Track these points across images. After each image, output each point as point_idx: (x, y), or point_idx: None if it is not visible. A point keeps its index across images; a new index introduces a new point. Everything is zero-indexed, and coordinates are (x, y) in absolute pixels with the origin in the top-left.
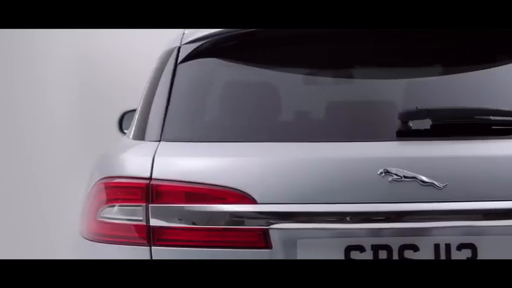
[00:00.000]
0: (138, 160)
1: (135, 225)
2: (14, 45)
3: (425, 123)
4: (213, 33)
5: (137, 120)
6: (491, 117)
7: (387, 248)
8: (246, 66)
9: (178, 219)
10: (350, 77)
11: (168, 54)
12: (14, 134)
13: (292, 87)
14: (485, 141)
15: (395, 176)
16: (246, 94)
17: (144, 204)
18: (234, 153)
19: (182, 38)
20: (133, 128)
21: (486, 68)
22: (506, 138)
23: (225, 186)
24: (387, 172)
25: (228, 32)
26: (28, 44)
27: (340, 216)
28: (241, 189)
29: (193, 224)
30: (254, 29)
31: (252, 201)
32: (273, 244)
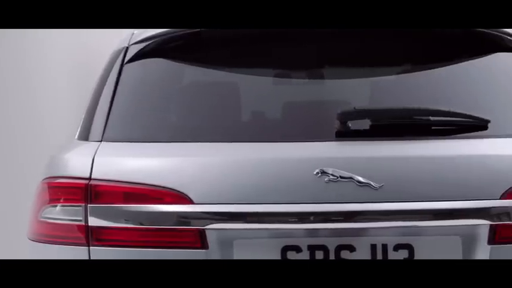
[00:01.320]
0: (78, 160)
1: (74, 226)
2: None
3: (365, 124)
4: (160, 33)
5: (83, 121)
6: (431, 118)
7: (324, 248)
8: (190, 66)
9: (116, 219)
10: (290, 77)
11: (117, 54)
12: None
13: (235, 87)
14: (423, 141)
15: (331, 176)
16: (189, 94)
17: (83, 204)
18: (173, 154)
19: (131, 38)
20: (79, 128)
21: (434, 68)
22: (444, 139)
23: (162, 187)
24: (323, 172)
25: (174, 32)
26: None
27: (277, 217)
28: (178, 189)
29: (131, 224)
30: (199, 29)
31: (189, 201)
32: (209, 244)
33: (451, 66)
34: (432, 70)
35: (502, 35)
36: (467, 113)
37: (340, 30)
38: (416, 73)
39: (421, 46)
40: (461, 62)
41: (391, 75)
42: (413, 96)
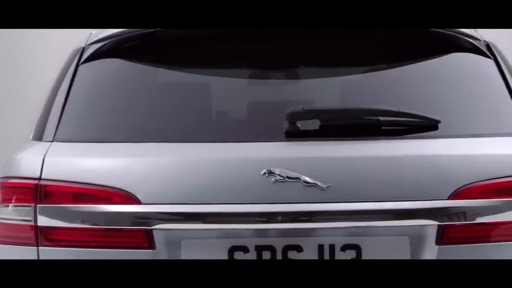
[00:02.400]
0: (29, 161)
1: (24, 226)
2: None
3: (314, 124)
4: (117, 33)
5: (38, 121)
6: (380, 118)
7: (271, 248)
8: (145, 66)
9: (65, 219)
10: (244, 77)
11: (74, 54)
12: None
13: (187, 88)
14: (372, 141)
15: (278, 177)
16: (142, 94)
17: (33, 204)
18: (122, 154)
19: (88, 38)
20: (34, 128)
21: (390, 68)
22: (394, 139)
23: (110, 187)
24: (270, 173)
25: (130, 32)
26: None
27: (224, 217)
28: (126, 189)
29: (80, 224)
30: (154, 29)
31: (137, 201)
32: (156, 245)
33: (406, 67)
34: (387, 70)
35: (458, 35)
36: (417, 113)
37: (294, 30)
38: (370, 73)
39: (377, 46)
40: (417, 62)
41: (346, 75)
42: (367, 96)
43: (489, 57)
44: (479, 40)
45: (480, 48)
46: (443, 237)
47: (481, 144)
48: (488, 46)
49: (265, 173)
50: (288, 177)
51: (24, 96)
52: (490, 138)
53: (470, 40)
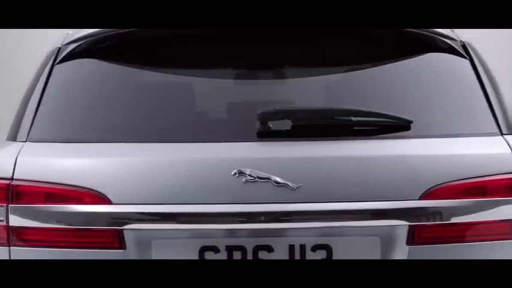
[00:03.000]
0: (2, 161)
1: None
2: None
3: (286, 124)
4: (92, 33)
5: (13, 121)
6: (352, 118)
7: (241, 248)
8: (119, 66)
9: (37, 219)
10: (217, 78)
11: (50, 55)
12: None
13: (161, 88)
14: (344, 142)
15: (249, 177)
16: (116, 95)
17: (5, 204)
18: (93, 154)
19: (65, 38)
20: (10, 128)
21: (365, 69)
22: (366, 139)
23: (81, 187)
24: (241, 173)
25: (106, 32)
26: None
27: (195, 217)
28: (97, 189)
29: (51, 224)
30: (129, 30)
31: (108, 201)
32: (127, 245)
33: (381, 67)
34: (362, 71)
35: (434, 35)
36: (390, 113)
37: (274, 30)
38: (347, 73)
39: (353, 47)
40: (392, 62)
41: (323, 75)
42: (343, 96)
43: (464, 57)
44: (456, 40)
45: (456, 48)
46: (414, 237)
47: (453, 145)
48: (464, 46)
49: (235, 173)
50: (258, 178)
51: (3, 96)
52: (463, 139)
53: (446, 40)
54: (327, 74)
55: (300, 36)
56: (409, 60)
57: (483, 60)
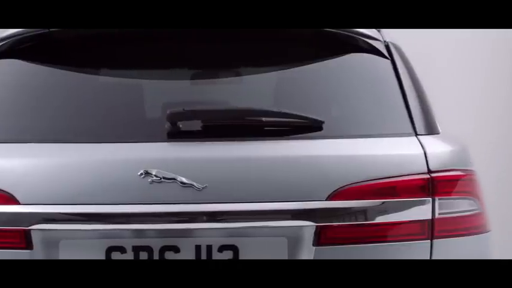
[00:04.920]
0: None
1: None
2: None
3: (195, 125)
4: (13, 33)
5: None
6: (262, 119)
7: (148, 249)
8: (37, 66)
9: None
10: (137, 78)
11: None
12: None
13: (76, 88)
14: (253, 142)
15: (155, 177)
16: (28, 96)
17: None
18: (1, 154)
19: None
20: None
21: (283, 69)
22: (276, 140)
23: None
24: (147, 173)
25: (27, 33)
26: None
27: (102, 218)
28: (5, 189)
29: None
30: (49, 30)
31: (15, 201)
32: (34, 245)
33: (301, 67)
34: (282, 71)
35: (356, 35)
36: (300, 113)
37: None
38: (264, 74)
39: (272, 47)
40: (311, 63)
41: (239, 76)
42: (256, 97)
43: (386, 57)
44: (379, 41)
45: (377, 49)
46: (321, 238)
47: (365, 145)
48: (387, 47)
49: (141, 174)
50: (164, 178)
51: None
52: (376, 139)
53: (368, 41)
54: (247, 75)
55: (215, 37)
56: (328, 61)
57: (407, 60)
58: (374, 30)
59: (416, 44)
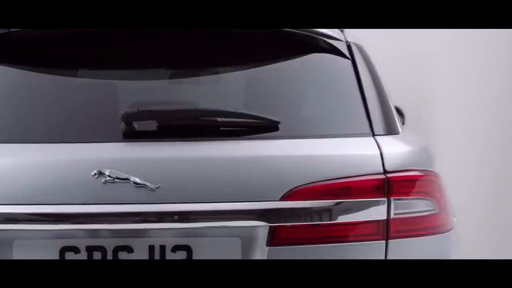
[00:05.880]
0: None
1: None
2: None
3: (150, 125)
4: None
5: None
6: (218, 119)
7: (101, 249)
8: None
9: None
10: (93, 78)
11: None
12: None
13: (29, 88)
14: (208, 142)
15: (108, 178)
16: None
17: None
18: None
19: None
20: None
21: (240, 70)
22: (231, 140)
23: None
24: (101, 173)
25: None
26: None
27: (55, 218)
28: None
29: None
30: (9, 30)
31: None
32: None
33: (267, 67)
34: (241, 71)
35: (316, 35)
36: (256, 114)
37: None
38: (223, 74)
39: (232, 47)
40: (274, 63)
41: (191, 76)
42: (215, 97)
43: (347, 57)
44: (340, 41)
45: (338, 49)
46: (274, 238)
47: (321, 145)
48: (349, 47)
49: (95, 174)
50: (117, 178)
51: None
52: (333, 139)
53: (329, 41)
54: (206, 75)
55: (174, 35)
56: (289, 61)
57: (369, 60)
58: (337, 30)
59: (416, 44)
